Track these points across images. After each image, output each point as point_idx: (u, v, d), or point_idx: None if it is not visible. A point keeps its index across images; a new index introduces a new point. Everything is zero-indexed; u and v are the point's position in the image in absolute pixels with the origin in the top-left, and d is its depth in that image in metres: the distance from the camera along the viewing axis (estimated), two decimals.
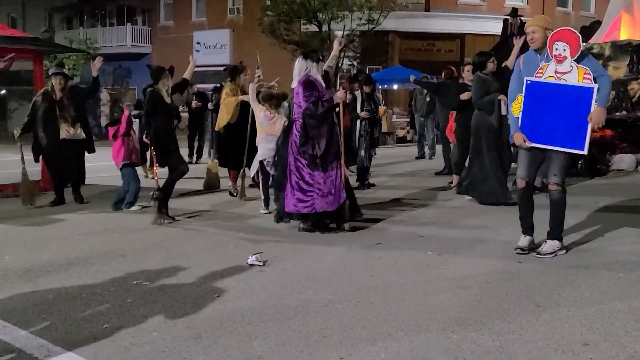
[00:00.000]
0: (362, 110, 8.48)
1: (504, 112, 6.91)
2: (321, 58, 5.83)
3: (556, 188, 4.73)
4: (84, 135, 7.82)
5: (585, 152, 4.66)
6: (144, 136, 6.77)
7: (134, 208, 7.34)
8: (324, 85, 5.72)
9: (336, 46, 6.37)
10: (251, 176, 7.98)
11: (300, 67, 5.73)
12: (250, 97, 7.06)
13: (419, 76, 14.73)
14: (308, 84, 5.59)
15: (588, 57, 4.65)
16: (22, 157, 7.66)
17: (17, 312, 3.66)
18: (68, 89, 7.80)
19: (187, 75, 6.97)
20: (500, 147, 7.00)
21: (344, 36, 21.13)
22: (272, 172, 6.57)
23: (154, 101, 6.51)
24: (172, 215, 6.56)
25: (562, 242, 4.80)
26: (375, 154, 9.06)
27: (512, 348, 2.97)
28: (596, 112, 4.50)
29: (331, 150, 5.57)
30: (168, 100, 6.63)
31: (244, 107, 7.60)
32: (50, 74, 7.98)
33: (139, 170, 7.89)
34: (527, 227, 4.90)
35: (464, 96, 7.67)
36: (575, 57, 4.52)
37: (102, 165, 11.44)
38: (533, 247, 4.84)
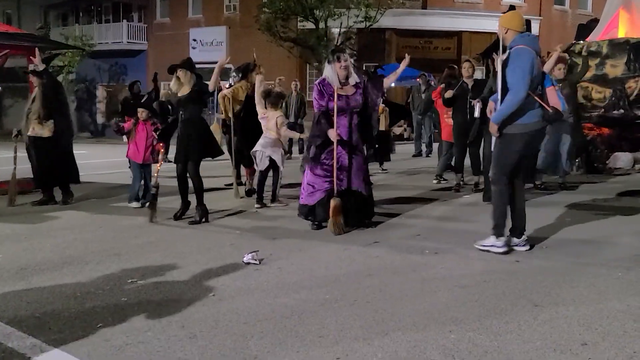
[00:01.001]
0: None
1: (476, 115, 7.07)
2: (335, 58, 5.75)
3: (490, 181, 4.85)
4: (48, 133, 7.39)
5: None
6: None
7: (133, 204, 7.32)
8: (334, 87, 5.69)
9: (404, 63, 6.27)
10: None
11: (325, 68, 5.92)
12: (256, 93, 7.22)
13: (417, 74, 14.72)
14: (318, 90, 5.77)
15: (511, 69, 4.48)
16: (15, 158, 7.60)
17: (9, 311, 3.61)
18: (40, 85, 7.48)
19: (211, 85, 6.89)
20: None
21: (340, 33, 21.08)
22: (258, 167, 7.12)
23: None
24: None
25: (500, 239, 4.68)
26: (393, 151, 9.16)
27: (510, 348, 2.95)
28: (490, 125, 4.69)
29: (319, 157, 5.71)
30: (169, 97, 6.73)
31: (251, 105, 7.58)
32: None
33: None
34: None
35: (448, 94, 7.90)
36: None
37: (99, 163, 11.43)
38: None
